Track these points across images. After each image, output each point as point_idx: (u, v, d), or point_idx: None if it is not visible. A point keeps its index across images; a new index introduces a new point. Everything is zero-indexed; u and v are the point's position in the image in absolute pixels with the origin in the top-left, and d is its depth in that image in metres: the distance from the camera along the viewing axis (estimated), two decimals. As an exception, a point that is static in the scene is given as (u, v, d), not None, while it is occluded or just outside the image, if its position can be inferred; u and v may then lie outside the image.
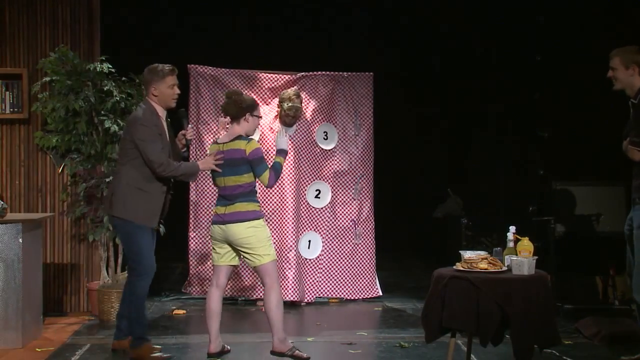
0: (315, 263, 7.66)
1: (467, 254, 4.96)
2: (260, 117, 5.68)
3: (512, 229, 5.01)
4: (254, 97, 7.65)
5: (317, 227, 7.70)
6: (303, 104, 7.62)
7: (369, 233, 7.82)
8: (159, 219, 5.52)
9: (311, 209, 7.68)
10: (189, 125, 5.70)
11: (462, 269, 4.82)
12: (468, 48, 9.80)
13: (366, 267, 7.77)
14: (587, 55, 8.16)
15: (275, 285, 5.42)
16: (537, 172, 8.07)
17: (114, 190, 5.46)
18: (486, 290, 4.65)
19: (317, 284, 7.67)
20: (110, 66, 6.80)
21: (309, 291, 7.58)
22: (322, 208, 7.71)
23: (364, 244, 7.79)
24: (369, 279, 7.78)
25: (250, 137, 5.52)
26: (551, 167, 8.03)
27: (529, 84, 8.59)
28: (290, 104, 7.44)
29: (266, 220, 7.55)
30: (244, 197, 5.40)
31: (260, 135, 7.62)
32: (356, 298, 7.71)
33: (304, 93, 7.70)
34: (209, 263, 7.62)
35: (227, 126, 7.62)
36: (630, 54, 5.37)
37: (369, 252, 7.80)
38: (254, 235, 5.37)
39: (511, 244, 4.96)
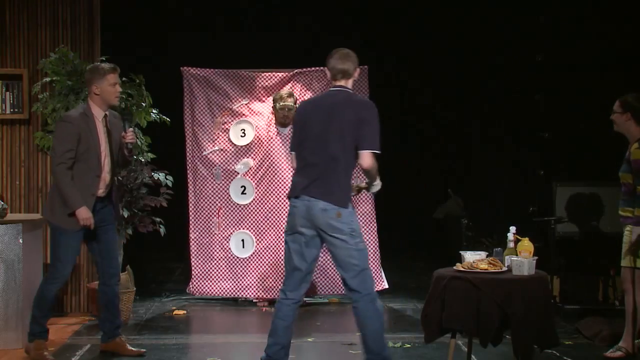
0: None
1: (467, 255, 4.96)
2: None
3: (513, 229, 5.01)
4: (248, 96, 7.69)
5: None
6: (298, 101, 7.63)
7: (369, 226, 7.79)
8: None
9: None
10: (130, 129, 5.61)
11: (462, 269, 4.82)
12: (468, 48, 9.79)
13: (369, 261, 7.74)
14: (588, 56, 8.17)
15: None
16: (537, 172, 8.08)
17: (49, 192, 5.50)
18: (486, 290, 4.65)
19: (318, 282, 7.67)
20: (111, 66, 6.79)
21: (310, 289, 7.57)
22: None
23: (365, 238, 7.77)
24: (373, 272, 7.75)
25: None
26: (551, 167, 8.03)
27: (529, 84, 8.59)
28: (282, 104, 7.47)
29: (265, 220, 7.59)
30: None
31: (255, 134, 7.63)
32: None
33: (299, 90, 7.70)
34: (210, 263, 7.64)
35: (223, 126, 7.66)
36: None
37: (370, 245, 7.78)
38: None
39: (511, 245, 4.96)
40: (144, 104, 6.86)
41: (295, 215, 4.80)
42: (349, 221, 4.75)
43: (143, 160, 6.87)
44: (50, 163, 5.40)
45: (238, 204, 7.63)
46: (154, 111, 6.93)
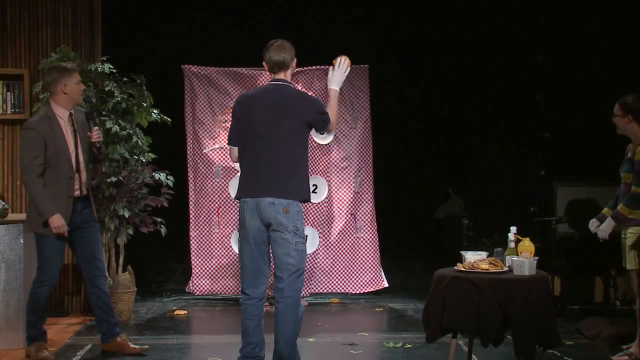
0: (312, 259, 7.65)
1: (468, 255, 4.97)
2: None
3: (514, 229, 5.01)
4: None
5: (313, 223, 7.69)
6: None
7: (370, 225, 7.80)
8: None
9: (307, 204, 7.68)
10: (95, 127, 5.60)
11: (463, 269, 4.83)
12: (468, 48, 9.80)
13: (370, 260, 7.77)
14: (588, 56, 8.17)
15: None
16: (538, 172, 8.08)
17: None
18: (487, 290, 4.65)
19: (315, 279, 7.68)
20: (112, 67, 6.80)
21: (307, 287, 7.57)
22: (318, 203, 7.71)
23: (366, 237, 7.79)
24: (373, 271, 7.78)
25: None
26: (552, 167, 8.04)
27: (530, 84, 8.60)
28: None
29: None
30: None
31: None
32: (361, 292, 7.73)
33: (300, 88, 7.70)
34: (211, 261, 7.64)
35: (224, 124, 7.67)
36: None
37: (372, 245, 7.79)
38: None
39: (512, 245, 4.96)
40: (144, 104, 6.86)
41: (244, 210, 4.83)
42: (294, 219, 4.78)
43: (144, 160, 6.87)
44: (20, 173, 5.40)
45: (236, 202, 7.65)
46: (155, 111, 6.93)
